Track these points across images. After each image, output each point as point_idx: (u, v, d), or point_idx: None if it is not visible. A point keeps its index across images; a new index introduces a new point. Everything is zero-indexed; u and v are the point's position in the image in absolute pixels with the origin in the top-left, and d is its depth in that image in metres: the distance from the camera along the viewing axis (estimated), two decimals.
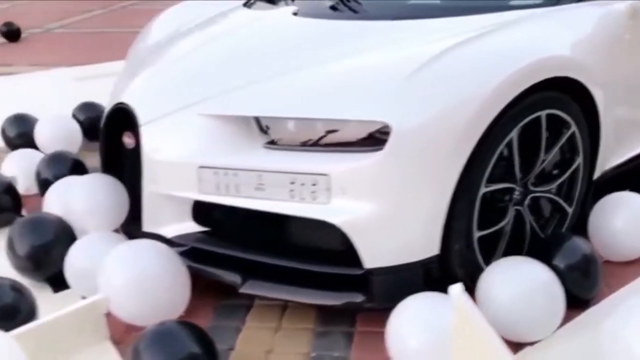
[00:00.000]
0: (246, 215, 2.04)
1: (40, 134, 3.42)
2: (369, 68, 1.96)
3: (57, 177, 2.75)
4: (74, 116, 3.67)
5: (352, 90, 1.87)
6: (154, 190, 2.13)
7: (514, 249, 2.03)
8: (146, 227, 2.21)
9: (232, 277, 2.03)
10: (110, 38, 6.65)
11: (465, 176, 1.81)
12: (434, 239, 1.84)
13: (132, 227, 2.28)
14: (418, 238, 1.84)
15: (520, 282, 1.80)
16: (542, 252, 1.95)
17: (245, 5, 2.92)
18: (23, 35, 6.91)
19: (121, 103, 2.29)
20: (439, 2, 2.69)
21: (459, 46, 1.89)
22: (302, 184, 1.82)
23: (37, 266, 2.21)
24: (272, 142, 1.96)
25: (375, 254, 1.81)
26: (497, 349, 1.40)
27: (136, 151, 2.20)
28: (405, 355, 1.72)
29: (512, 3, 2.38)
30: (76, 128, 3.53)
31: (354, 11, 2.52)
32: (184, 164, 2.04)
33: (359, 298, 1.87)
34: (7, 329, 1.71)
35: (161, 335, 1.66)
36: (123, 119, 2.26)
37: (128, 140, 2.26)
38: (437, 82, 1.81)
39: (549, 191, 2.14)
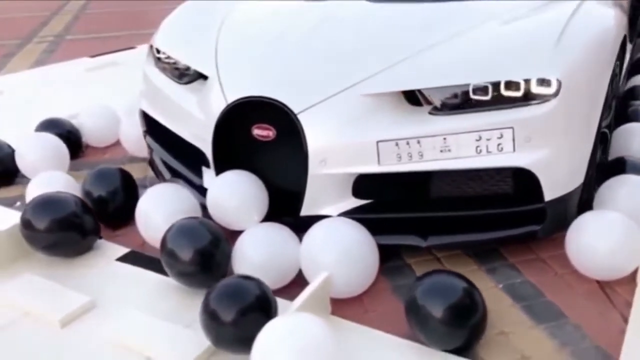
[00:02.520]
0: (406, 181, 2.25)
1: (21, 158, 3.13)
2: (506, 36, 2.30)
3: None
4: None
5: (507, 55, 2.20)
6: (320, 172, 2.22)
7: None
8: (305, 211, 2.29)
9: (412, 240, 2.23)
10: None
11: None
12: (582, 169, 2.27)
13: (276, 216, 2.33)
14: (576, 170, 2.25)
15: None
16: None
17: None
18: None
19: (243, 98, 2.31)
20: None
21: (578, 11, 2.33)
22: (488, 139, 2.11)
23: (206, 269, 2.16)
24: (435, 109, 2.20)
25: (551, 188, 2.18)
26: None
27: (276, 142, 2.27)
28: (589, 262, 2.14)
29: None
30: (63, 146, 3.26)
31: None
32: (361, 141, 2.18)
33: (535, 228, 2.23)
34: None
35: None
36: (241, 115, 2.29)
37: (264, 132, 2.30)
38: (580, 42, 2.23)
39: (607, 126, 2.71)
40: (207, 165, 2.61)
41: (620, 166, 2.55)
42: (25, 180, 2.99)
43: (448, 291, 1.84)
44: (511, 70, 2.14)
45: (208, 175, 2.57)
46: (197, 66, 2.68)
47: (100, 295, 2.19)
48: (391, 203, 2.30)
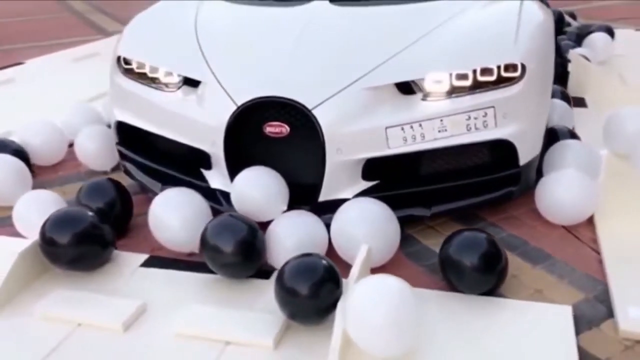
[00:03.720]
0: (405, 161, 2.60)
1: None
2: (473, 31, 2.70)
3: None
4: None
5: (479, 46, 2.61)
6: (336, 160, 2.48)
7: None
8: (323, 196, 2.54)
9: (418, 211, 2.58)
10: None
11: None
12: (542, 137, 2.76)
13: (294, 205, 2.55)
14: (538, 138, 2.73)
15: None
16: None
17: None
18: None
19: (256, 99, 2.50)
20: None
21: (523, 8, 2.80)
22: (476, 118, 2.51)
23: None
24: (425, 96, 2.55)
25: (524, 154, 2.63)
26: None
27: (289, 137, 2.49)
28: (558, 213, 2.63)
29: None
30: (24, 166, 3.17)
31: None
32: (371, 128, 2.47)
33: (513, 189, 2.67)
34: None
35: None
36: (252, 115, 2.49)
37: (277, 129, 2.51)
38: (532, 33, 2.70)
39: None
40: (207, 168, 2.75)
41: (553, 134, 3.09)
42: None
43: (477, 244, 2.20)
44: (484, 59, 2.56)
45: (214, 177, 2.71)
46: (186, 73, 2.79)
47: (146, 298, 2.26)
48: (395, 182, 2.61)
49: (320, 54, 2.66)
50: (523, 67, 2.55)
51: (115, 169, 3.42)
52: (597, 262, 2.43)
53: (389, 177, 2.61)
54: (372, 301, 1.85)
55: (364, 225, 2.32)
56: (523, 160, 2.64)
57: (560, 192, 2.63)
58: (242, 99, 2.52)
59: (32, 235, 2.64)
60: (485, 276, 2.19)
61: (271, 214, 2.47)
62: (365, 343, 1.88)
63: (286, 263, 2.08)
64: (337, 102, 2.47)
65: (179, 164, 2.87)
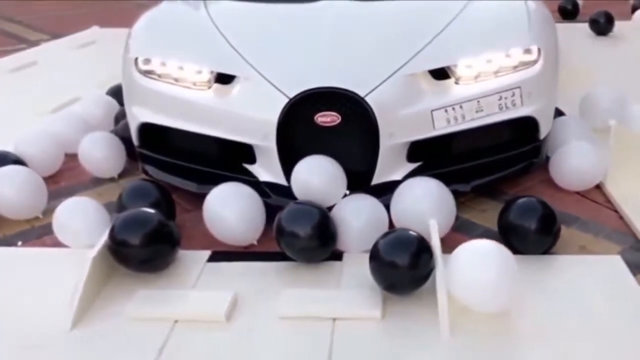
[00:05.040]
0: (443, 142, 2.80)
1: None
2: (489, 20, 2.95)
3: None
4: None
5: (500, 33, 2.87)
6: (389, 144, 2.63)
7: None
8: (376, 179, 2.68)
9: (459, 187, 2.77)
10: None
11: None
12: (553, 114, 3.06)
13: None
14: (552, 115, 3.03)
15: None
16: None
17: None
18: None
19: (308, 90, 2.59)
20: None
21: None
22: (506, 98, 2.75)
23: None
24: (458, 80, 2.77)
25: (544, 129, 2.92)
26: None
27: (340, 125, 2.62)
28: (572, 180, 2.95)
29: None
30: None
31: None
32: (418, 112, 2.64)
33: (536, 159, 2.96)
34: None
35: None
36: (304, 106, 2.59)
37: (329, 119, 2.62)
38: (540, 20, 3.00)
39: None
40: (251, 162, 2.79)
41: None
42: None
43: (534, 209, 2.44)
44: (506, 44, 2.82)
45: (261, 170, 2.77)
46: (221, 69, 2.81)
47: (234, 289, 2.28)
48: (436, 161, 2.80)
49: (357, 45, 2.80)
50: (539, 50, 2.84)
51: (122, 174, 3.35)
52: (618, 219, 2.76)
53: (431, 157, 2.79)
54: (479, 262, 2.03)
55: (427, 202, 2.49)
56: (543, 134, 2.93)
57: (574, 162, 2.95)
58: (293, 91, 2.60)
59: (76, 243, 2.59)
60: (544, 237, 2.43)
61: (333, 199, 2.57)
62: (472, 301, 2.05)
63: (379, 239, 2.20)
64: (385, 88, 2.62)
65: (216, 160, 2.89)
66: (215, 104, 2.78)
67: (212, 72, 2.84)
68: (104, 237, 2.35)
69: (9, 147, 3.28)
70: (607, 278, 2.31)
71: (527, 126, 2.88)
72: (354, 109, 2.59)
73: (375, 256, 2.18)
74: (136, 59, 3.00)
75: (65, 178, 3.42)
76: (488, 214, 2.79)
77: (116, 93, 3.89)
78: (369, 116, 2.58)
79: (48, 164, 3.40)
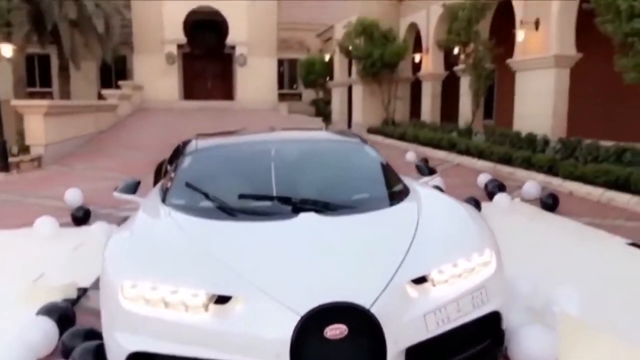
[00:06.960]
0: (429, 343, 3.06)
1: None
2: (444, 230, 3.40)
3: None
4: None
5: (461, 242, 3.32)
6: (394, 350, 2.81)
7: None
8: None
9: None
10: None
11: None
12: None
13: None
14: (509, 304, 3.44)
15: None
16: None
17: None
18: None
19: (318, 307, 2.73)
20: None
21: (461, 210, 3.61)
22: (476, 297, 3.11)
23: None
24: (435, 283, 3.09)
25: (505, 318, 3.31)
26: None
27: (347, 336, 2.78)
28: None
29: None
30: None
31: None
32: (413, 317, 2.90)
33: (501, 346, 3.29)
34: None
35: None
36: (314, 322, 2.73)
37: (338, 331, 2.78)
38: (482, 223, 3.52)
39: None
40: None
41: None
42: None
43: None
44: (466, 251, 3.26)
45: None
46: (219, 291, 2.87)
47: None
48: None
49: (349, 257, 3.06)
50: (490, 251, 3.32)
51: None
52: None
53: (423, 356, 3.01)
54: None
55: None
56: (504, 324, 3.31)
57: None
58: (303, 308, 2.73)
59: None
60: None
61: None
62: None
63: None
64: (385, 299, 2.86)
65: None
66: (217, 326, 2.79)
67: (208, 294, 2.88)
68: None
69: None
70: None
71: (492, 320, 3.25)
72: (360, 320, 2.77)
73: None
74: (122, 285, 2.95)
75: None
76: None
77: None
78: (375, 326, 2.77)
79: None
